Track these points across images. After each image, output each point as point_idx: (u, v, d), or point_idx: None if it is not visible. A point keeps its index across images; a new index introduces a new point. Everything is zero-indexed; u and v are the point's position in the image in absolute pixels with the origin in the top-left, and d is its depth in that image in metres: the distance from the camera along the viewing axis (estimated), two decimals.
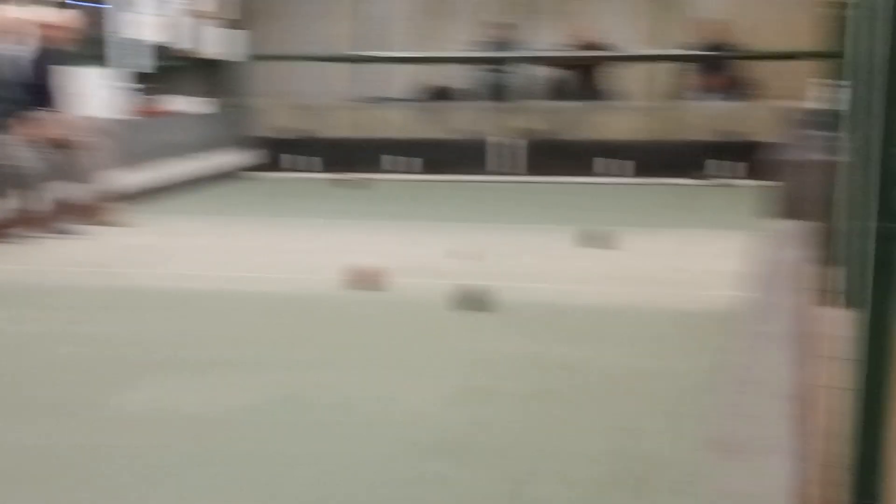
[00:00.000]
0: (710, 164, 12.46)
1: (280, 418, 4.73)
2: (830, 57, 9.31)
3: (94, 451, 4.34)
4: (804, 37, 12.71)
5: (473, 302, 6.60)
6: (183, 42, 12.73)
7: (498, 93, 13.47)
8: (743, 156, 12.28)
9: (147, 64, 11.96)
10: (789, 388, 3.93)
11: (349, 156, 13.21)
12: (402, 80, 14.09)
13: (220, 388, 5.14)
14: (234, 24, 13.67)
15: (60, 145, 9.77)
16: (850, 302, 5.02)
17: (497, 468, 4.12)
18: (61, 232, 9.36)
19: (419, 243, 8.92)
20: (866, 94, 3.94)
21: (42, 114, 9.69)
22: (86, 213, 9.83)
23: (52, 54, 9.94)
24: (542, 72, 13.72)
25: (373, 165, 13.13)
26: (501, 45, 13.51)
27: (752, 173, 11.65)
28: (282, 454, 4.29)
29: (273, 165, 13.48)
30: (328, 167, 13.20)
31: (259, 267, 8.05)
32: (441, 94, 13.88)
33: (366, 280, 7.17)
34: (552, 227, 9.64)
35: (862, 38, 5.28)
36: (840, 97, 8.20)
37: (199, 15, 12.95)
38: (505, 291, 6.95)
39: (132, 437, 4.49)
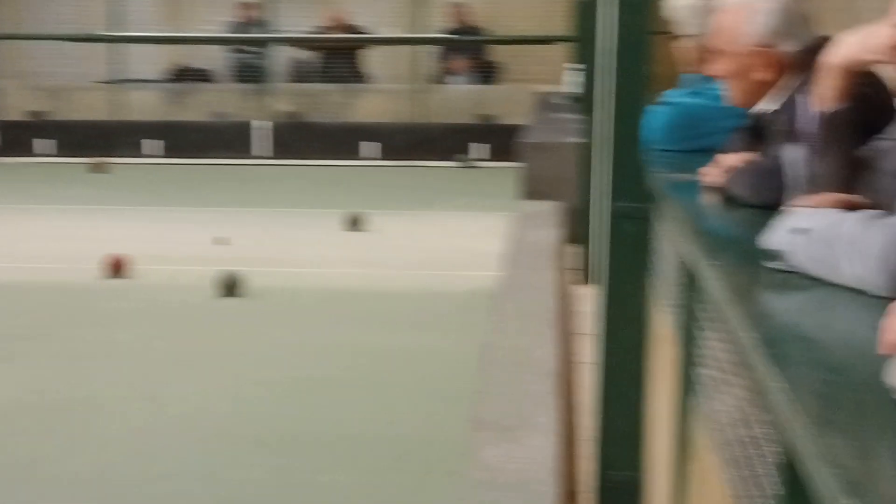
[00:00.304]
0: (467, 146, 12.65)
1: (29, 418, 4.51)
2: (574, 41, 9.61)
3: None
4: (556, 22, 13.09)
5: (234, 289, 6.48)
6: None
7: (252, 75, 13.25)
8: (494, 138, 12.51)
9: None
10: (551, 365, 4.03)
11: (97, 139, 12.70)
12: (150, 60, 13.65)
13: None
14: None
15: None
16: (593, 279, 5.21)
17: (271, 457, 4.06)
18: None
19: (176, 229, 8.68)
20: (601, 77, 4.08)
21: None
22: None
23: None
24: (297, 54, 13.58)
25: (123, 149, 12.66)
26: (254, 26, 13.29)
27: (507, 156, 11.90)
28: (31, 455, 4.10)
29: (12, 150, 12.80)
30: (74, 151, 12.64)
31: (5, 256, 7.63)
32: (193, 76, 13.53)
33: (121, 268, 6.92)
34: (310, 212, 9.58)
35: (595, 23, 5.47)
36: (580, 80, 8.48)
37: None
38: (264, 277, 6.86)
39: None
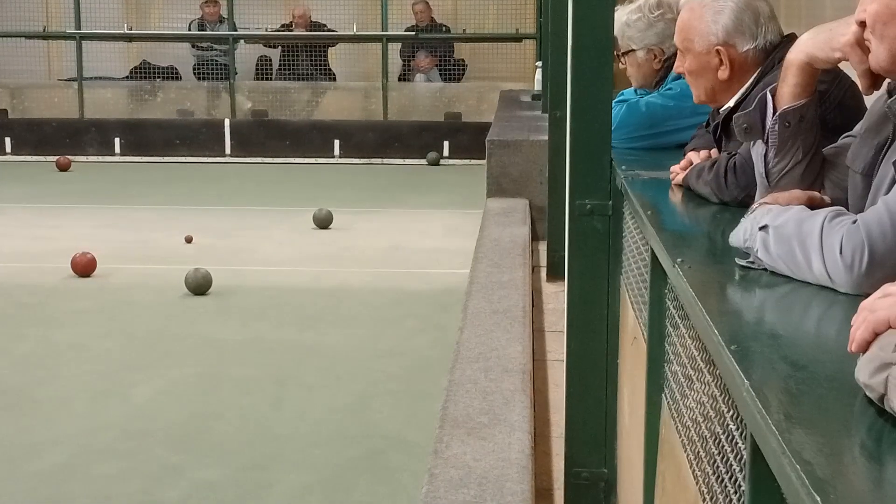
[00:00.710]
0: (435, 144, 12.64)
1: None
2: (537, 39, 9.66)
3: None
4: (523, 19, 13.11)
5: (195, 287, 6.45)
6: None
7: (216, 72, 13.19)
8: (465, 136, 12.51)
9: None
10: (518, 363, 4.05)
11: (62, 137, 12.60)
12: (115, 58, 13.55)
13: None
14: None
15: None
16: (557, 275, 5.24)
17: (233, 456, 4.06)
18: None
19: (143, 228, 8.64)
20: (561, 74, 4.09)
21: None
22: None
23: None
24: (258, 51, 13.53)
25: (88, 147, 12.58)
26: (217, 23, 13.23)
27: (474, 153, 11.91)
28: None
29: None
30: (39, 149, 12.54)
31: None
32: (156, 73, 13.45)
33: (87, 267, 6.88)
34: (280, 209, 9.56)
35: (554, 20, 5.51)
36: (542, 78, 8.52)
37: None
38: (227, 275, 6.84)
39: None
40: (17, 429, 4.35)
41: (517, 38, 13.26)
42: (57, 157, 12.18)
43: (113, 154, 12.76)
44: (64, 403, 4.65)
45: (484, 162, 7.59)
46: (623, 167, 2.92)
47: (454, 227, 8.77)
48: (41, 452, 4.09)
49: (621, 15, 3.46)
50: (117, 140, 12.79)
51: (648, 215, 2.35)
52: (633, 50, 3.51)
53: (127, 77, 13.46)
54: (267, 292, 6.63)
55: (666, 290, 2.19)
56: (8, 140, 12.80)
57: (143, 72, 13.39)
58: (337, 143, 12.83)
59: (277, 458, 4.07)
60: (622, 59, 3.53)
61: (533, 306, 4.93)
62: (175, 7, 13.54)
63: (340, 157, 12.79)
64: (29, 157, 12.62)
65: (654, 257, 2.24)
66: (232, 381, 4.96)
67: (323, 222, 8.65)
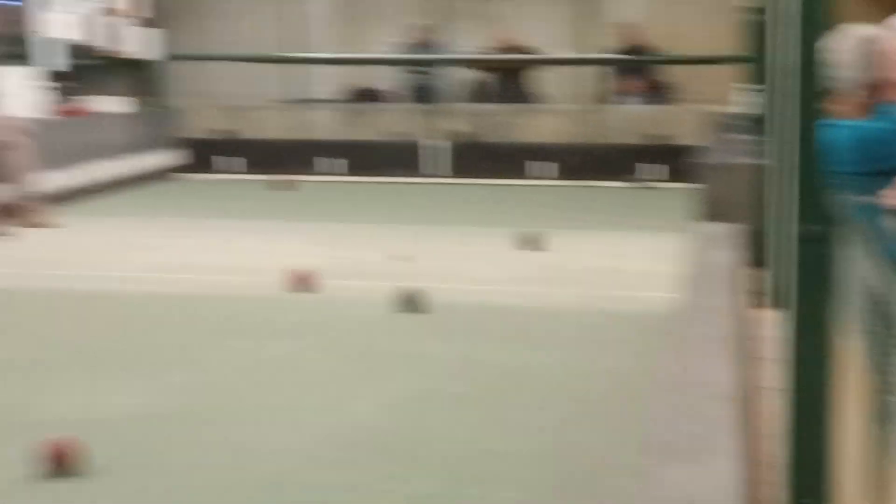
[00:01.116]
0: (637, 167, 12.58)
1: (198, 426, 4.69)
2: (748, 62, 9.49)
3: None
4: (725, 42, 12.90)
5: (409, 304, 6.61)
6: (100, 41, 12.51)
7: (424, 95, 13.48)
8: (668, 159, 12.42)
9: (65, 63, 11.76)
10: (728, 389, 4.00)
11: (277, 157, 13.13)
12: (327, 81, 14.03)
13: (149, 390, 5.10)
14: (150, 23, 13.47)
15: None
16: (779, 303, 5.13)
17: (440, 471, 4.14)
18: None
19: (352, 245, 8.91)
20: (781, 98, 4.03)
21: None
22: (11, 213, 9.67)
23: None
24: (467, 75, 13.75)
25: (301, 167, 13.07)
26: (425, 47, 13.52)
27: (678, 176, 11.80)
28: (193, 462, 4.26)
29: (199, 167, 13.34)
30: (256, 169, 13.11)
31: (189, 268, 7.96)
32: (367, 96, 13.84)
33: (301, 282, 7.15)
34: (484, 230, 9.69)
35: (775, 44, 5.41)
36: (757, 101, 8.36)
37: (114, 13, 12.74)
38: (439, 293, 6.97)
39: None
40: (238, 438, 4.54)
41: (725, 61, 13.06)
42: (279, 175, 12.67)
43: (335, 174, 13.21)
44: (284, 414, 4.83)
45: (692, 185, 7.52)
46: (839, 192, 2.88)
47: (662, 250, 8.69)
48: (262, 461, 4.27)
49: (834, 45, 3.43)
50: (339, 160, 13.23)
51: (868, 241, 2.32)
52: (844, 79, 3.47)
53: (349, 100, 13.91)
54: (478, 311, 6.73)
55: (887, 319, 2.15)
56: (234, 159, 13.41)
57: (364, 95, 13.81)
58: (546, 165, 12.91)
59: (491, 475, 4.14)
60: (835, 89, 3.49)
61: (741, 333, 4.86)
62: (392, 32, 13.92)
63: (550, 178, 12.86)
64: (258, 176, 13.18)
65: (874, 284, 2.20)
66: (445, 397, 5.06)
67: (533, 243, 8.72)
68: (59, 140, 11.10)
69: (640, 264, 8.20)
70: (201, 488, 4.01)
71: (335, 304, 6.88)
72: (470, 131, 13.38)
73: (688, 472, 3.44)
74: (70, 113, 11.68)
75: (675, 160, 12.42)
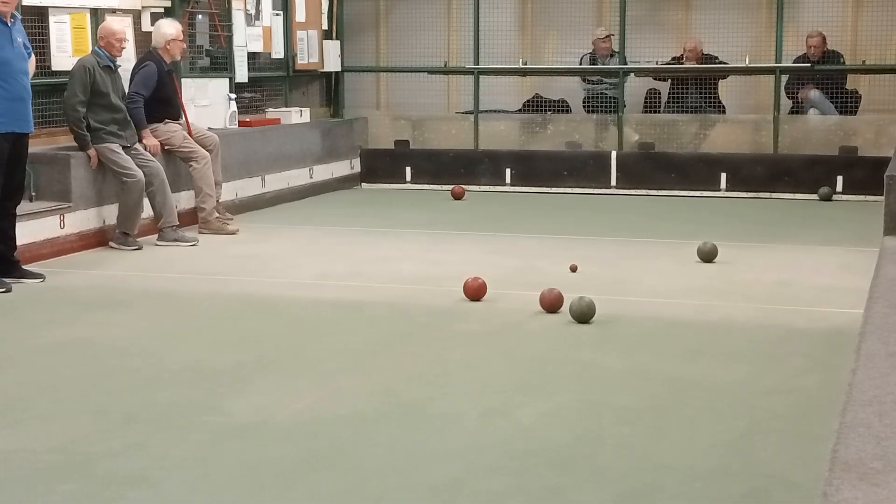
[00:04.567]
0: (827, 178, 12.21)
1: (385, 427, 4.74)
2: None
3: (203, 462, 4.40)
4: None
5: (582, 314, 6.56)
6: (282, 52, 12.84)
7: (604, 105, 13.37)
8: (860, 171, 12.02)
9: (250, 74, 12.11)
10: None
11: (458, 167, 13.24)
12: (506, 91, 14.07)
13: (327, 395, 5.18)
14: (330, 35, 13.75)
15: (181, 156, 9.99)
16: None
17: (612, 484, 4.08)
18: (176, 240, 9.52)
19: (525, 255, 8.90)
20: None
21: (167, 124, 9.91)
22: (201, 221, 10.03)
23: (173, 65, 10.19)
24: (653, 84, 13.57)
25: (481, 177, 13.14)
26: (608, 57, 13.40)
27: (869, 189, 11.41)
28: (388, 462, 4.30)
29: (380, 176, 13.54)
30: (436, 179, 13.25)
31: (373, 276, 8.06)
32: (547, 106, 13.81)
33: (476, 291, 7.18)
34: (663, 241, 9.55)
35: None
36: None
37: (296, 26, 13.04)
38: (612, 304, 6.90)
39: (242, 444, 4.53)
40: (411, 441, 4.58)
41: None
42: (452, 185, 12.81)
43: (504, 184, 13.25)
44: (454, 419, 4.85)
45: (881, 198, 7.23)
46: None
47: (847, 264, 8.42)
48: (432, 465, 4.29)
49: None
50: (508, 170, 13.26)
51: None
52: None
53: (519, 110, 13.91)
54: (649, 323, 6.63)
55: None
56: (408, 169, 13.59)
57: (535, 105, 13.79)
58: (724, 176, 12.65)
59: (658, 489, 4.06)
60: None
61: None
62: (568, 42, 13.87)
63: (727, 190, 12.61)
64: (427, 186, 13.38)
65: None
66: (613, 409, 4.99)
67: (708, 255, 8.54)
68: (243, 150, 11.44)
69: (823, 279, 7.95)
70: (377, 490, 4.05)
71: (506, 313, 6.88)
72: (646, 141, 13.21)
73: (870, 492, 3.29)
74: (253, 123, 12.02)
75: (862, 172, 12.01)
